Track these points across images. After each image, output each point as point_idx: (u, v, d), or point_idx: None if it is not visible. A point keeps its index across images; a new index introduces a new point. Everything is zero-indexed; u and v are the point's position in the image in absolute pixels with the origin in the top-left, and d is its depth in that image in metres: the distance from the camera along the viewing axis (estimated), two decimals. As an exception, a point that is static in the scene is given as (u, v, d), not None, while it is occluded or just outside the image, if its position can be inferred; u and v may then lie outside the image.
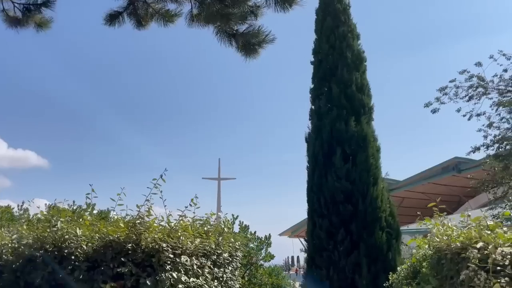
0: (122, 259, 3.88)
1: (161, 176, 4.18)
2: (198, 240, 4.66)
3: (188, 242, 4.29)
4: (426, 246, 4.18)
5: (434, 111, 12.12)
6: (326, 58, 10.34)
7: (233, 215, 11.29)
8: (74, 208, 10.52)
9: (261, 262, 11.37)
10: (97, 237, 4.20)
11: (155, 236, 3.95)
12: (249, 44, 3.83)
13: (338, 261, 8.94)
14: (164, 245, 3.86)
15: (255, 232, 11.70)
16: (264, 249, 11.26)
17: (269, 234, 11.43)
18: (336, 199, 9.29)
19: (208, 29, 4.07)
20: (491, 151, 11.89)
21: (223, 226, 5.98)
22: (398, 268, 5.39)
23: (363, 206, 9.07)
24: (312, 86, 10.73)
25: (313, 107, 10.58)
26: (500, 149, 11.37)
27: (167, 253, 3.87)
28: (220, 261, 5.46)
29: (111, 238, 3.97)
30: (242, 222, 11.96)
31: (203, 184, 43.40)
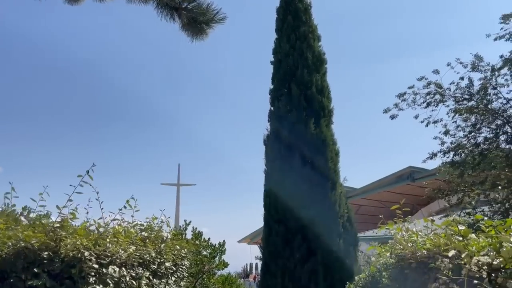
0: (36, 269, 3.22)
1: (87, 172, 3.56)
2: (133, 247, 4.07)
3: (120, 250, 3.68)
4: (388, 254, 3.80)
5: (392, 117, 12.05)
6: (286, 58, 10.00)
7: (185, 221, 10.66)
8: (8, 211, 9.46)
9: (215, 270, 10.79)
10: (9, 244, 3.51)
11: (78, 242, 3.32)
12: (196, 22, 3.32)
13: (293, 269, 8.53)
14: (87, 253, 3.24)
15: (209, 239, 11.10)
16: (217, 256, 10.68)
17: (223, 241, 10.87)
18: (295, 204, 8.90)
19: (148, 6, 3.53)
20: (447, 159, 11.98)
21: (167, 233, 5.40)
22: (356, 278, 5.01)
23: (321, 211, 8.73)
24: (271, 87, 10.36)
25: (272, 108, 10.20)
26: (456, 156, 11.45)
27: (90, 263, 3.25)
28: (162, 271, 4.88)
29: (23, 245, 3.30)
30: (196, 228, 11.34)
31: (162, 190, 42.15)
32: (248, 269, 61.30)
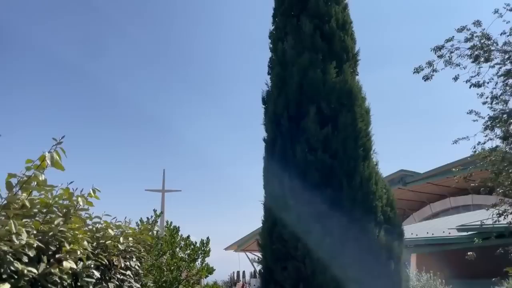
0: None
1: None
2: None
3: None
4: None
5: (426, 77, 9.43)
6: (295, -16, 7.28)
7: (155, 210, 7.80)
8: None
9: (195, 278, 7.93)
10: None
11: None
12: None
13: (311, 275, 5.75)
14: None
15: (188, 237, 8.25)
16: (200, 259, 7.83)
17: (207, 239, 7.99)
18: (308, 181, 6.14)
19: None
20: (491, 138, 9.32)
21: (83, 197, 2.58)
22: None
23: (349, 190, 5.98)
24: (273, 27, 7.62)
25: (273, 55, 7.44)
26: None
27: None
28: (56, 282, 2.08)
29: None
30: (170, 222, 8.48)
31: (147, 196, 39.84)
32: (236, 277, 58.35)
